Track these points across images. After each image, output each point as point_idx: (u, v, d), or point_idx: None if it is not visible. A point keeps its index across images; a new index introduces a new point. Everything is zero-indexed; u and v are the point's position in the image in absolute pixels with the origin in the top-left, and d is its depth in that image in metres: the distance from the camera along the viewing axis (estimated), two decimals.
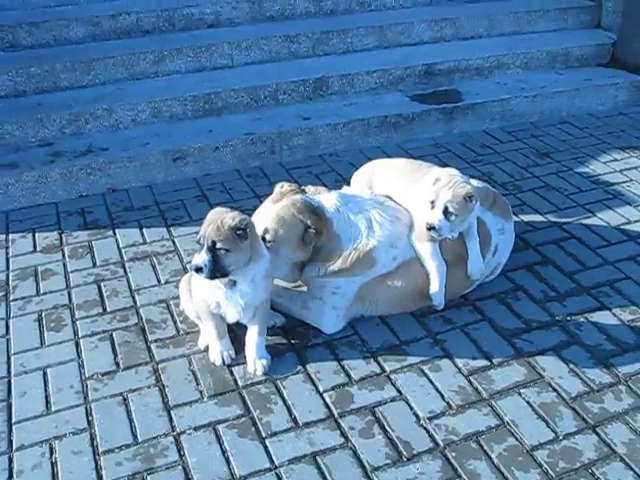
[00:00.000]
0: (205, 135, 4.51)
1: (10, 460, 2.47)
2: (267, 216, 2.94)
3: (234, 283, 2.71)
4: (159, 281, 3.43)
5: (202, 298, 2.78)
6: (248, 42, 5.11)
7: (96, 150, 4.31)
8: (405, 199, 3.15)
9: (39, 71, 4.60)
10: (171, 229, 3.88)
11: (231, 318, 2.82)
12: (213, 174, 4.48)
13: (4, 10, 5.06)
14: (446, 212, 2.91)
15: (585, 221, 3.95)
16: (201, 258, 2.57)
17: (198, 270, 2.58)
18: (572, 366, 2.91)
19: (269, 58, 5.16)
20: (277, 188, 3.10)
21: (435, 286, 3.04)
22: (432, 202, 2.93)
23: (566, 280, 3.45)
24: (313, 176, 4.45)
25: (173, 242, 3.76)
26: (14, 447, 2.52)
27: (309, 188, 3.13)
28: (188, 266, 3.06)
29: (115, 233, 3.85)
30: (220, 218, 2.60)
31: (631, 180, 4.41)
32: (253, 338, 2.84)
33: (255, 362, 2.84)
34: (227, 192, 4.28)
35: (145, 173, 4.31)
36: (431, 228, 2.92)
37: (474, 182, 3.26)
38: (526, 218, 3.97)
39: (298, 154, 4.65)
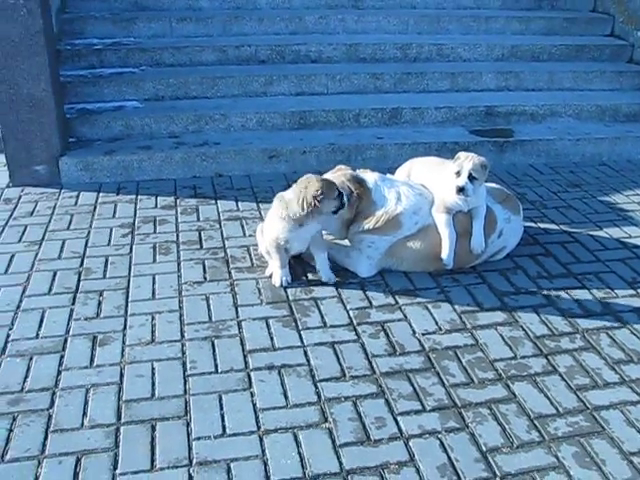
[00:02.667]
0: (297, 141, 5.62)
1: (125, 322, 3.56)
2: None
3: (301, 225, 3.74)
4: (244, 234, 4.51)
5: (273, 237, 3.82)
6: (341, 76, 6.24)
7: (210, 144, 5.50)
8: (431, 182, 4.13)
9: (175, 82, 5.88)
10: (260, 204, 4.97)
11: (295, 250, 3.85)
12: (299, 172, 5.51)
13: (157, 37, 6.43)
14: (470, 177, 3.86)
15: (592, 232, 4.76)
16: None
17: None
18: (543, 318, 3.75)
19: (357, 90, 6.25)
20: (336, 168, 4.15)
21: (446, 248, 3.98)
22: (457, 172, 3.89)
23: (560, 267, 4.28)
24: None
25: (259, 212, 4.84)
26: (129, 313, 3.61)
27: (359, 170, 4.17)
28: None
29: (217, 202, 4.97)
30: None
31: None
32: (320, 256, 3.87)
33: (324, 274, 3.87)
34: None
35: (246, 165, 5.45)
36: (461, 190, 3.86)
37: (493, 185, 4.23)
38: (542, 225, 4.83)
39: (369, 164, 5.63)
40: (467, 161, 3.86)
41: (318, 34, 6.73)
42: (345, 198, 3.75)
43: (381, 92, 6.27)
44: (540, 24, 7.36)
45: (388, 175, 4.28)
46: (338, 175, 3.97)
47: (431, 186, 4.11)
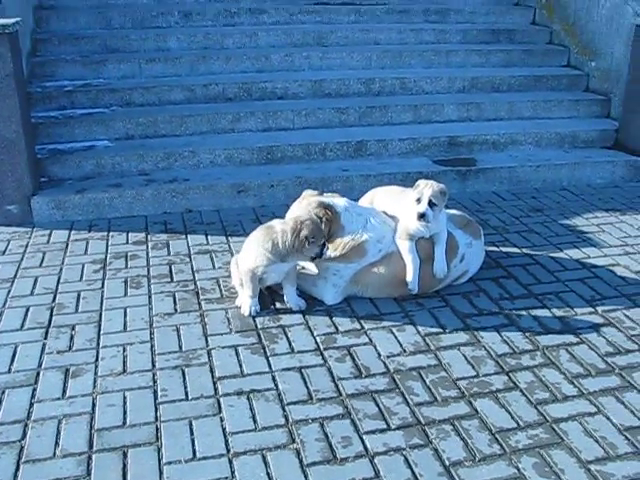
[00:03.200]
0: (264, 176, 5.76)
1: (97, 353, 3.64)
2: (291, 213, 4.13)
3: (283, 260, 3.85)
4: (214, 266, 4.61)
5: (251, 266, 3.90)
6: (307, 111, 6.41)
7: (180, 180, 5.62)
8: (393, 210, 4.28)
9: (145, 121, 6.01)
10: (229, 238, 5.08)
11: (271, 281, 3.96)
12: (267, 206, 5.69)
13: (126, 78, 6.59)
14: (430, 203, 4.00)
15: (552, 254, 4.93)
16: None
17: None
18: (505, 337, 3.88)
19: (322, 124, 6.43)
20: (303, 193, 4.28)
21: (410, 273, 4.11)
22: (418, 199, 4.04)
23: (521, 288, 4.43)
24: None
25: (229, 245, 4.95)
26: (101, 345, 3.69)
27: (327, 194, 4.30)
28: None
29: (187, 237, 5.08)
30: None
31: (604, 231, 5.36)
32: (289, 288, 3.99)
33: (294, 303, 3.98)
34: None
35: (215, 200, 5.57)
36: (422, 216, 4.00)
37: (454, 211, 4.39)
38: (505, 249, 4.99)
39: None
40: (427, 188, 4.02)
41: (284, 71, 6.92)
42: (325, 249, 3.87)
43: (346, 126, 6.44)
44: (499, 57, 7.62)
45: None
46: (304, 206, 4.10)
47: (393, 214, 4.26)
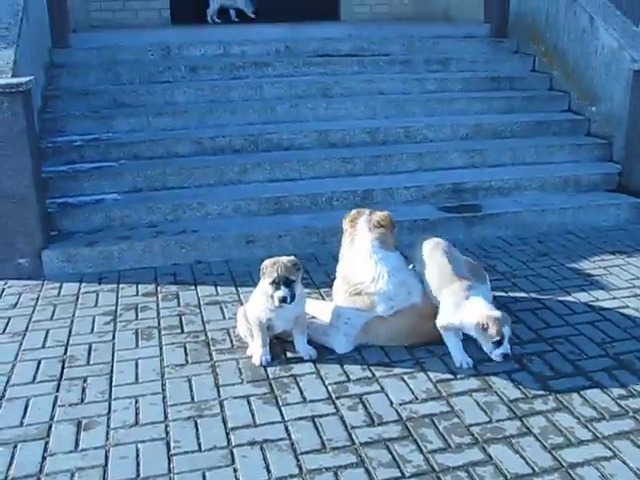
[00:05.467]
0: (272, 226, 5.81)
1: (109, 405, 3.65)
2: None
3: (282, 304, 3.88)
4: (224, 317, 4.64)
5: (256, 316, 3.95)
6: (313, 161, 6.50)
7: (189, 231, 5.68)
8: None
9: (153, 174, 6.10)
10: (238, 288, 5.12)
11: (278, 328, 3.99)
12: (276, 255, 5.73)
13: (135, 132, 6.70)
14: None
15: (560, 298, 4.94)
16: (282, 292, 3.79)
17: (284, 300, 3.79)
18: (516, 382, 3.88)
19: (329, 174, 6.51)
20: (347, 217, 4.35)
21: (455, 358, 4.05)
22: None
23: (530, 333, 4.44)
24: None
25: (238, 295, 4.98)
26: (113, 397, 3.70)
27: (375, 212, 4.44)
28: (275, 298, 3.88)
29: (196, 288, 5.11)
30: (280, 260, 3.84)
31: (611, 274, 5.38)
32: (299, 337, 4.01)
33: (304, 352, 4.00)
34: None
35: (224, 250, 5.62)
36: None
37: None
38: (513, 294, 5.01)
39: None
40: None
41: (289, 122, 7.03)
42: (289, 294, 3.87)
43: (352, 175, 6.52)
44: (501, 103, 7.73)
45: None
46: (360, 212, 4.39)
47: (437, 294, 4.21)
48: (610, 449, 3.30)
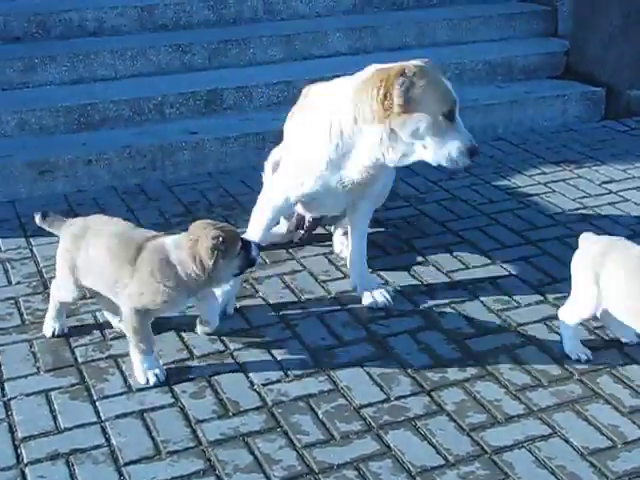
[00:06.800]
0: (78, 148, 5.76)
1: None
2: None
3: None
4: (9, 282, 4.60)
5: (144, 308, 3.74)
6: (134, 52, 6.45)
7: None
8: None
9: None
10: (30, 239, 5.07)
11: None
12: (85, 190, 5.70)
13: None
14: None
15: (485, 228, 5.16)
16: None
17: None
18: (422, 343, 4.07)
19: (157, 70, 6.49)
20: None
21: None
22: None
23: (443, 277, 4.64)
24: (197, 192, 5.70)
25: (31, 250, 4.94)
26: None
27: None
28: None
29: None
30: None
31: (553, 191, 5.65)
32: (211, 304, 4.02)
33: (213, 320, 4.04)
34: (100, 209, 5.48)
35: (7, 186, 5.54)
36: None
37: None
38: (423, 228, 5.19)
39: (183, 171, 5.90)
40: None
41: None
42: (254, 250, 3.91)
43: (191, 70, 6.57)
44: None
45: None
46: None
47: None
48: (548, 424, 3.52)
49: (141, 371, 3.81)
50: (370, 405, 3.66)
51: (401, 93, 3.78)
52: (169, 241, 3.77)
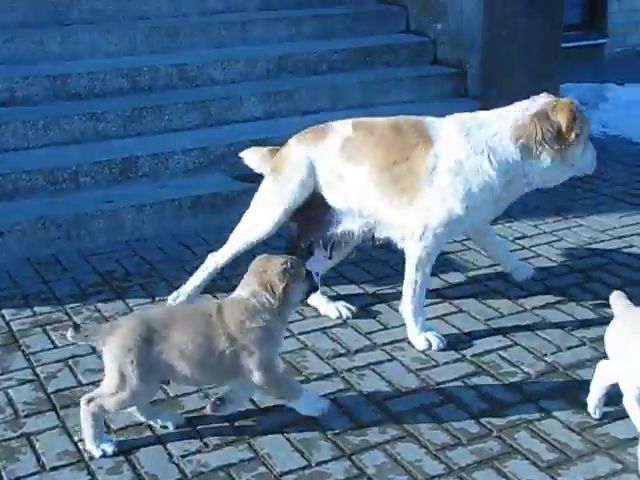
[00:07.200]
0: None
1: None
2: None
3: None
4: None
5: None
6: (46, 121, 6.42)
7: None
8: None
9: None
10: None
11: None
12: None
13: None
14: None
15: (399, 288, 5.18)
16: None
17: None
18: (344, 407, 4.06)
19: (71, 139, 6.46)
20: None
21: None
22: None
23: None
24: (114, 261, 5.65)
25: None
26: None
27: None
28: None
29: None
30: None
31: (469, 249, 5.72)
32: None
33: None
34: (13, 282, 5.40)
35: None
36: None
37: None
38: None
39: (99, 240, 5.84)
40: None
41: (4, 65, 6.91)
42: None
43: (106, 139, 6.56)
44: (314, 25, 7.98)
45: None
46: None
47: None
48: None
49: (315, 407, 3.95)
50: (291, 472, 3.63)
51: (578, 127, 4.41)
52: (233, 294, 3.89)
